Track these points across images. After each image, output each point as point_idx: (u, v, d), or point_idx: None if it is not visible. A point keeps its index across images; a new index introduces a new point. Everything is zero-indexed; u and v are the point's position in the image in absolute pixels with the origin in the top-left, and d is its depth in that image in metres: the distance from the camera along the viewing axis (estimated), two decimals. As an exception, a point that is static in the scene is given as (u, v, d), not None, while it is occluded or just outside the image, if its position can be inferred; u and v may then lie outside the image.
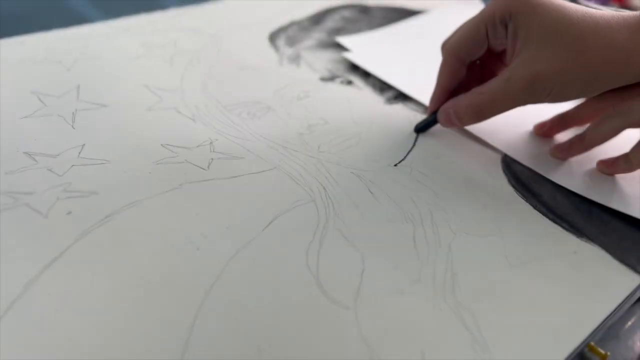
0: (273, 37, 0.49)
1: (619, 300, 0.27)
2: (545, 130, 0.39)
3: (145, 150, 0.33)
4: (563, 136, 0.39)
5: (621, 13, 0.32)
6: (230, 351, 0.23)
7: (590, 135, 0.35)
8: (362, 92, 0.42)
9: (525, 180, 0.35)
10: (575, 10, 0.32)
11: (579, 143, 0.36)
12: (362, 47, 0.49)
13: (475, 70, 0.37)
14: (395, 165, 0.35)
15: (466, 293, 0.27)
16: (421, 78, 0.40)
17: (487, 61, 0.37)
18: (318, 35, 0.51)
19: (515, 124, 0.40)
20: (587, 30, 0.31)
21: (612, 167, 0.35)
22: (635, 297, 0.29)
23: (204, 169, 0.32)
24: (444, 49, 0.36)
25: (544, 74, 0.31)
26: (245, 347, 0.23)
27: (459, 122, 0.36)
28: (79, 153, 0.32)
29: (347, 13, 0.55)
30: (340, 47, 0.49)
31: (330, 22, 0.53)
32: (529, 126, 0.40)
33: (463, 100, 0.35)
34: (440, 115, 0.36)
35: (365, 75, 0.45)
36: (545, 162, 0.37)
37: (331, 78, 0.44)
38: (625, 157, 0.35)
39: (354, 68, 0.46)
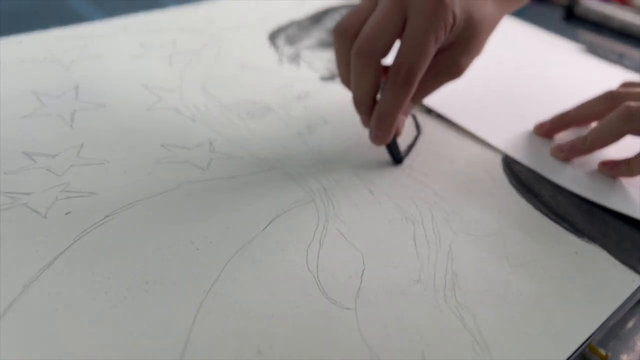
0: (273, 37, 0.49)
1: (620, 301, 0.27)
2: (545, 130, 0.39)
3: (145, 150, 0.33)
4: (564, 136, 0.39)
5: None
6: (230, 351, 0.23)
7: (592, 138, 0.35)
8: (362, 92, 0.42)
9: (525, 180, 0.35)
10: None
11: (581, 145, 0.36)
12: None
13: None
14: (395, 165, 0.35)
15: (466, 293, 0.27)
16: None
17: None
18: (318, 34, 0.50)
19: (516, 124, 0.40)
20: None
21: (614, 170, 0.35)
22: (636, 298, 0.29)
23: (203, 169, 0.32)
24: None
25: None
26: (245, 347, 0.23)
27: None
28: (78, 153, 0.32)
29: (346, 12, 0.55)
30: (340, 47, 0.48)
31: (330, 22, 0.53)
32: (530, 126, 0.40)
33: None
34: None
35: (365, 74, 0.45)
36: (546, 163, 0.37)
37: (331, 77, 0.44)
38: (627, 162, 0.35)
39: (354, 68, 0.46)
